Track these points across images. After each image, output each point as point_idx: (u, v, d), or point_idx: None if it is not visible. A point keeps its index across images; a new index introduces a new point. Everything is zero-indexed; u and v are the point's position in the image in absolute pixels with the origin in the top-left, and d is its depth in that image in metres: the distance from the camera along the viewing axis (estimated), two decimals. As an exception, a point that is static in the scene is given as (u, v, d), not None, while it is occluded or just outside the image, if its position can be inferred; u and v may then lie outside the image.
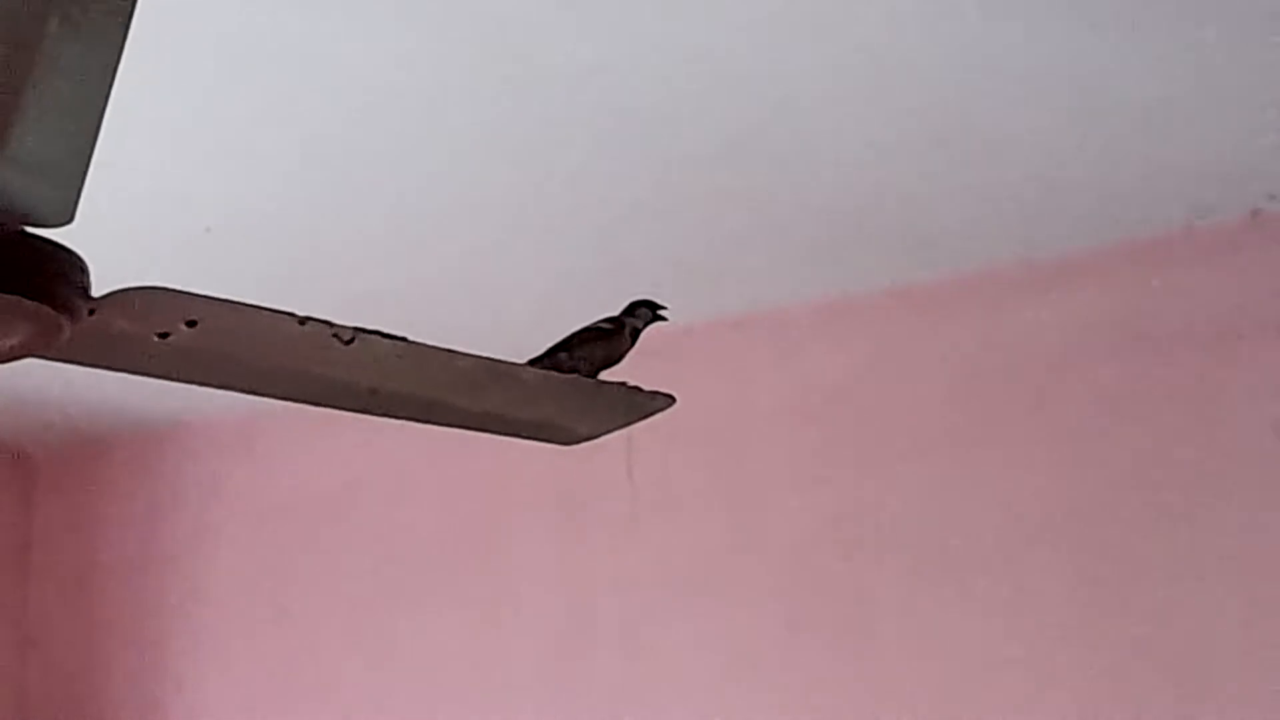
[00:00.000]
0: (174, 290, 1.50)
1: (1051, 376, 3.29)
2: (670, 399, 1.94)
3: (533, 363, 1.97)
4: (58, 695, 4.54)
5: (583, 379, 1.94)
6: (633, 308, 2.11)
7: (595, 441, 2.12)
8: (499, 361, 1.81)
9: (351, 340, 1.63)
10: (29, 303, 1.39)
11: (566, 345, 2.02)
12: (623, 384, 1.92)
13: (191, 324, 1.55)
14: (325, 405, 1.89)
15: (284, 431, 4.29)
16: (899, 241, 3.22)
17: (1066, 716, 3.13)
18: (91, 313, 1.47)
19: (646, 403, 1.94)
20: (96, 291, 1.47)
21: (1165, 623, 3.08)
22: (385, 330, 1.66)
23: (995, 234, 3.19)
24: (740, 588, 3.55)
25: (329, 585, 4.17)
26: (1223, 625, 3.02)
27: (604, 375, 1.99)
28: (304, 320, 1.58)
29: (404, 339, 1.67)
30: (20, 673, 4.58)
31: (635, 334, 2.08)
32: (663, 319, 2.13)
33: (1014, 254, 3.27)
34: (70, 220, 1.38)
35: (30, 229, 1.39)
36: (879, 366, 3.49)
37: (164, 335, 1.56)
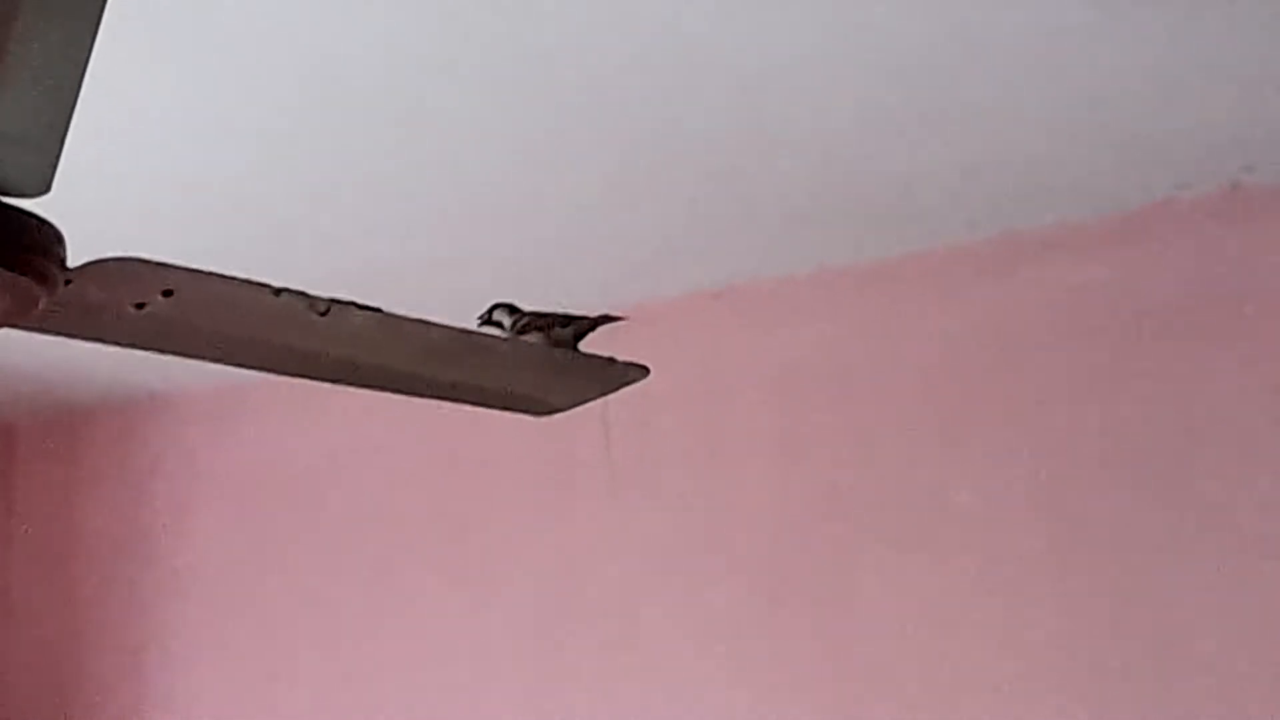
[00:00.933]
0: (150, 261, 1.51)
1: (1031, 349, 3.30)
2: (644, 370, 1.95)
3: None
4: (36, 665, 4.54)
5: (557, 349, 1.95)
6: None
7: (573, 417, 2.13)
8: (473, 332, 1.82)
9: (326, 311, 1.64)
10: (4, 273, 1.39)
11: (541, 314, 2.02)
12: (597, 355, 1.93)
13: (168, 294, 1.55)
14: (300, 376, 1.90)
15: (263, 405, 4.30)
16: (878, 215, 3.22)
17: (1046, 689, 3.15)
18: (68, 283, 1.47)
19: (620, 374, 1.96)
20: (73, 262, 1.47)
21: (1144, 595, 3.09)
22: (361, 301, 1.67)
23: (974, 208, 3.19)
24: (719, 561, 3.56)
25: (309, 557, 4.18)
26: (1202, 598, 3.04)
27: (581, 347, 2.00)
28: (279, 291, 1.59)
29: (379, 310, 1.68)
30: (-1, 642, 4.59)
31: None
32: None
33: (994, 228, 3.28)
34: (47, 191, 1.38)
35: (6, 199, 1.39)
36: (858, 340, 3.50)
37: (140, 306, 1.57)
